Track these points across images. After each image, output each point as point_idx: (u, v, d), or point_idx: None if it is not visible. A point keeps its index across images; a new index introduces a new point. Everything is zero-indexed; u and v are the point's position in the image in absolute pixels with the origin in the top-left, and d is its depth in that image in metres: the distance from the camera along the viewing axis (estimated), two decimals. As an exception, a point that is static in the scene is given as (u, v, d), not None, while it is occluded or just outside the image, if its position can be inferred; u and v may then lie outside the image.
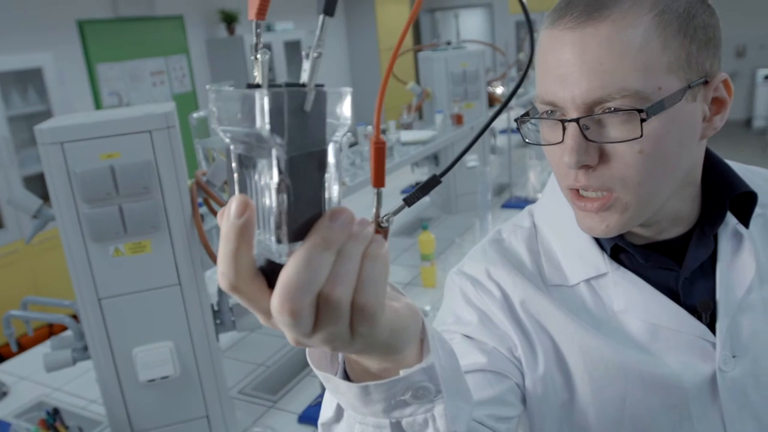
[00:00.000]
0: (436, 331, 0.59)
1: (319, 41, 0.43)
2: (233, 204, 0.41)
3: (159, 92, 6.59)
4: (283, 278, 0.41)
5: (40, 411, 2.23)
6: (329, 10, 0.42)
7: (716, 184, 0.88)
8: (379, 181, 0.52)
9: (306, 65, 0.43)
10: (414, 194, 0.55)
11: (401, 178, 4.82)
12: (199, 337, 1.84)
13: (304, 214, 0.43)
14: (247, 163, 0.44)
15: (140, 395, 1.84)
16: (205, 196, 1.86)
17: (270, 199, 0.42)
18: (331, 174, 0.44)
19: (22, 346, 2.57)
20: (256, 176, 0.44)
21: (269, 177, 0.42)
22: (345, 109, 0.44)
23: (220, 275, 0.43)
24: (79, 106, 5.64)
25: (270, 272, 0.44)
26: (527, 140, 0.84)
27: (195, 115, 2.41)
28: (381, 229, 0.53)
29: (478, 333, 0.88)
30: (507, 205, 4.07)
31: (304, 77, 0.42)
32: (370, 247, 0.44)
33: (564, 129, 0.75)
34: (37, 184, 4.63)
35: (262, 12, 0.45)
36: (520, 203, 4.03)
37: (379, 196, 0.53)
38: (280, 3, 7.89)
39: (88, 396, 2.34)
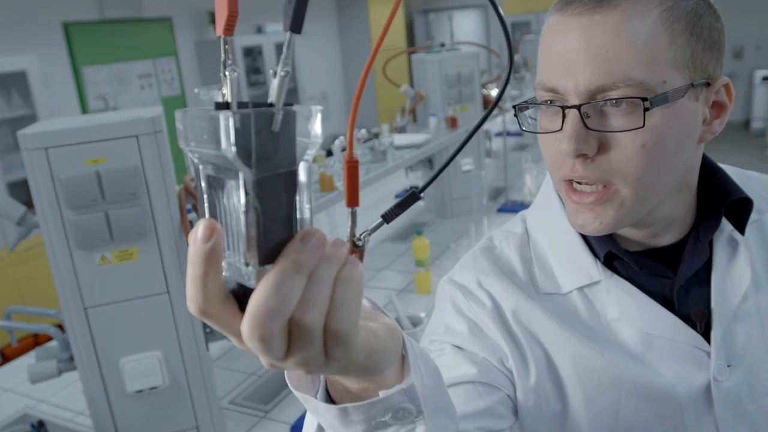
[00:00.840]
0: (419, 347, 0.59)
1: (285, 59, 0.42)
2: (200, 228, 0.41)
3: (147, 96, 6.58)
4: (252, 304, 0.41)
5: (25, 424, 2.21)
6: (296, 27, 0.42)
7: (712, 190, 0.88)
8: (352, 200, 0.52)
9: (273, 84, 0.43)
10: (392, 210, 0.54)
11: (395, 182, 4.82)
12: (189, 347, 1.83)
13: (274, 237, 0.42)
14: (215, 184, 0.44)
15: (128, 407, 1.83)
16: (194, 202, 1.85)
17: (239, 222, 0.42)
18: (302, 194, 0.44)
19: (6, 357, 2.56)
20: (225, 198, 0.43)
21: (237, 199, 0.42)
22: (316, 126, 0.44)
23: (188, 300, 0.43)
24: (65, 110, 5.62)
25: (241, 295, 0.43)
26: (524, 128, 0.84)
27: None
28: (356, 249, 0.52)
29: (469, 343, 0.88)
30: (503, 210, 4.07)
31: (272, 96, 0.43)
32: (343, 269, 0.44)
33: (564, 117, 0.75)
34: (21, 190, 4.61)
35: (229, 28, 0.44)
36: (516, 207, 4.03)
37: (353, 215, 0.52)
38: (271, 4, 7.89)
39: (75, 408, 2.32)
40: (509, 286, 0.90)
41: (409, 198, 0.53)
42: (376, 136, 3.62)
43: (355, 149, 3.19)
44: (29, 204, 1.76)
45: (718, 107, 0.80)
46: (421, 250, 2.98)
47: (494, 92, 4.79)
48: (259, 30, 7.79)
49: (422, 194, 0.54)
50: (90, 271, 1.70)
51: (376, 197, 4.59)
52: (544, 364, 0.87)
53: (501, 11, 0.54)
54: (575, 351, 0.85)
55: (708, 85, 0.77)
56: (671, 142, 0.75)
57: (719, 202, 0.87)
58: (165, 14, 6.83)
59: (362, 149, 3.21)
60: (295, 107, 0.43)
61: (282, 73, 0.43)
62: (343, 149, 3.23)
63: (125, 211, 1.67)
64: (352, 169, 0.51)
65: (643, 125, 0.72)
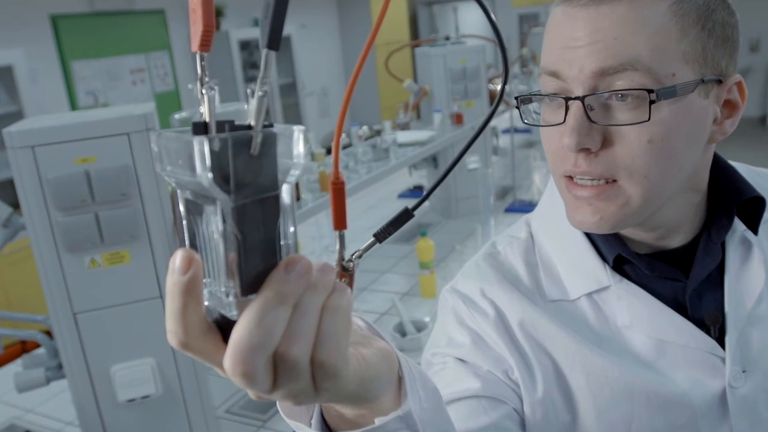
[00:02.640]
0: (416, 368, 0.58)
1: (263, 79, 0.41)
2: (177, 259, 0.41)
3: (139, 91, 6.58)
4: (234, 338, 0.40)
5: (12, 434, 2.21)
6: (273, 44, 0.41)
7: (723, 189, 0.88)
8: (340, 223, 0.51)
9: (251, 105, 0.42)
10: (385, 229, 0.53)
11: (398, 181, 4.82)
12: (183, 354, 1.83)
13: (256, 266, 0.42)
14: (194, 210, 0.44)
15: (120, 416, 1.82)
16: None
17: (218, 250, 0.42)
18: (285, 218, 0.43)
19: (-8, 365, 2.55)
20: (204, 224, 0.43)
21: (216, 227, 0.41)
22: (299, 147, 0.43)
23: (168, 333, 0.42)
24: (53, 106, 5.62)
25: (224, 325, 0.43)
26: (525, 121, 0.84)
27: (177, 115, 2.40)
28: (346, 273, 0.51)
29: (472, 356, 0.87)
30: (510, 209, 4.07)
31: (251, 118, 0.42)
32: (330, 297, 0.44)
33: (567, 109, 0.75)
34: (6, 190, 4.60)
35: (205, 43, 0.43)
36: (524, 207, 4.03)
37: (341, 238, 0.51)
38: (268, -4, 7.88)
39: (64, 418, 2.32)
40: (514, 295, 0.89)
41: (402, 216, 0.52)
42: (378, 133, 3.62)
43: (357, 147, 3.19)
44: (15, 205, 1.76)
45: (729, 106, 0.80)
46: (426, 252, 2.97)
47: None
48: (256, 23, 7.79)
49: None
50: (79, 274, 1.70)
51: (378, 197, 4.59)
52: (552, 374, 0.86)
53: (492, 15, 0.53)
54: (585, 360, 0.84)
55: (720, 82, 0.77)
56: (679, 139, 0.75)
57: (731, 201, 0.86)
58: (158, 6, 6.83)
59: (364, 147, 3.20)
60: (275, 128, 0.42)
61: (260, 93, 0.42)
62: (344, 147, 3.22)
63: (116, 212, 1.67)
64: (338, 191, 0.49)
65: (649, 119, 0.71)
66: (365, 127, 3.53)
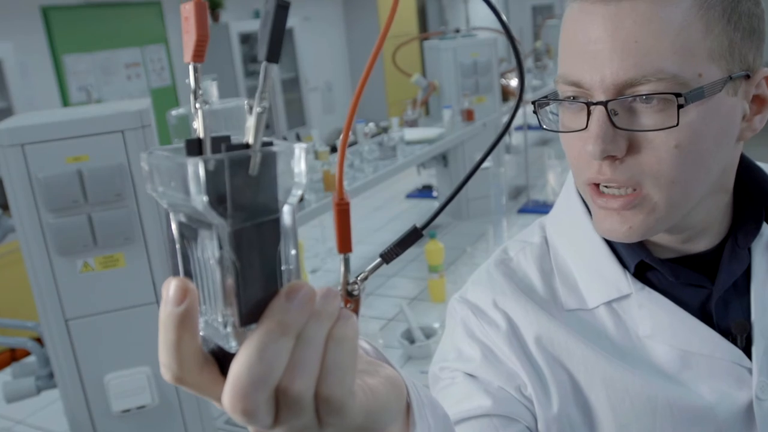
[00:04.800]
0: (425, 394, 0.58)
1: (262, 94, 0.41)
2: (171, 289, 0.40)
3: (134, 86, 6.60)
4: (233, 373, 0.40)
5: (1, 446, 2.21)
6: (272, 56, 0.40)
7: (750, 191, 0.87)
8: (344, 246, 0.50)
9: (249, 122, 0.41)
10: (392, 249, 0.53)
11: (406, 180, 4.82)
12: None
13: (255, 294, 0.41)
14: (188, 233, 0.43)
15: (114, 428, 1.83)
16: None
17: (215, 278, 0.41)
18: (287, 241, 0.43)
19: (-20, 373, 2.56)
20: (199, 249, 0.42)
21: (212, 252, 0.41)
22: (300, 165, 0.42)
23: (162, 366, 0.42)
24: (43, 102, 5.63)
25: (222, 357, 0.42)
26: (545, 126, 0.83)
27: (174, 112, 2.40)
28: (351, 298, 0.51)
29: (482, 371, 0.86)
30: (524, 210, 4.06)
31: (248, 136, 0.41)
32: (335, 326, 0.43)
33: (589, 114, 0.74)
34: (-3, 190, 4.62)
35: (199, 54, 0.42)
36: (538, 208, 4.02)
37: (346, 262, 0.50)
38: (269, -14, 7.89)
39: (55, 429, 2.33)
40: (528, 305, 0.88)
41: (411, 235, 0.52)
42: (385, 130, 3.61)
43: (363, 144, 3.19)
44: (4, 206, 1.76)
45: (758, 101, 0.79)
46: (435, 255, 2.97)
47: (513, 82, 4.78)
48: (257, 15, 7.80)
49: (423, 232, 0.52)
50: (71, 279, 1.70)
51: (385, 197, 4.59)
52: (569, 390, 0.85)
53: (504, 18, 0.52)
54: (604, 372, 0.84)
55: (747, 77, 0.76)
56: (708, 142, 0.74)
57: (759, 204, 0.86)
58: (154, -2, 6.85)
59: (370, 145, 3.20)
60: (275, 147, 0.41)
61: (258, 110, 0.41)
62: (349, 144, 3.22)
63: (110, 213, 1.67)
64: (343, 212, 0.48)
65: (677, 124, 0.71)
66: (371, 124, 3.53)
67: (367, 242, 4.07)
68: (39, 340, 1.88)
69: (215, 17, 7.19)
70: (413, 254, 3.59)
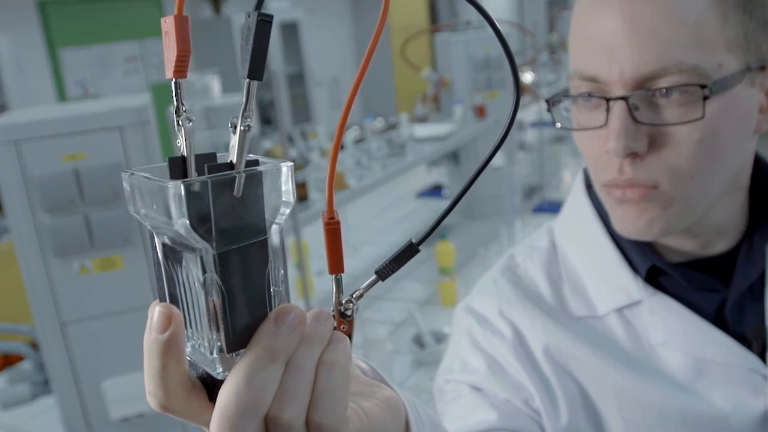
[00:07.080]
0: (426, 414, 0.57)
1: (245, 111, 0.41)
2: (155, 315, 0.40)
3: (133, 82, 6.62)
4: (221, 402, 0.40)
5: (-5, 455, 2.22)
6: (255, 74, 0.40)
7: (766, 190, 0.87)
8: (336, 266, 0.49)
9: (233, 141, 0.41)
10: (388, 266, 0.52)
11: (415, 179, 4.82)
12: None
13: (242, 319, 0.41)
14: (173, 256, 0.42)
15: (111, 437, 1.83)
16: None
17: (200, 303, 0.41)
18: (275, 263, 0.43)
19: (-26, 379, 2.57)
20: (184, 273, 0.42)
21: (197, 276, 0.40)
22: (288, 183, 0.42)
23: (147, 394, 0.42)
24: (39, 98, 5.65)
25: (209, 382, 0.42)
26: (560, 125, 0.83)
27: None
28: (345, 319, 0.50)
29: (488, 383, 0.86)
30: (539, 210, 4.06)
31: (232, 155, 0.41)
32: (327, 351, 0.43)
33: (608, 110, 0.74)
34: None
35: (180, 69, 0.42)
36: (553, 207, 4.02)
37: (338, 282, 0.50)
38: (273, -23, 7.91)
39: (51, 437, 2.33)
40: (535, 313, 0.88)
41: (407, 250, 0.51)
42: (394, 126, 3.62)
43: (370, 141, 3.19)
44: (-1, 205, 1.77)
45: None
46: (446, 257, 2.97)
47: (528, 76, 4.77)
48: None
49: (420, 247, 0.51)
50: (68, 281, 1.70)
51: (394, 197, 4.59)
52: (579, 400, 0.85)
53: (496, 22, 0.52)
54: (615, 382, 0.84)
55: (763, 68, 0.77)
56: (728, 135, 0.74)
57: None
58: (153, -11, 6.86)
59: (378, 142, 3.20)
60: (260, 167, 0.41)
61: (242, 128, 0.41)
62: (356, 141, 3.23)
63: (107, 213, 1.67)
64: (333, 231, 0.48)
65: (703, 116, 0.71)
66: (380, 120, 3.53)
67: (376, 243, 4.07)
68: (34, 345, 1.89)
69: (217, 9, 7.20)
70: (423, 256, 3.59)
